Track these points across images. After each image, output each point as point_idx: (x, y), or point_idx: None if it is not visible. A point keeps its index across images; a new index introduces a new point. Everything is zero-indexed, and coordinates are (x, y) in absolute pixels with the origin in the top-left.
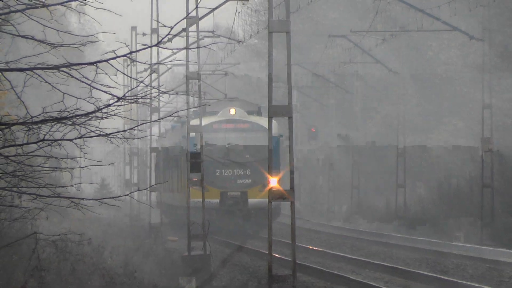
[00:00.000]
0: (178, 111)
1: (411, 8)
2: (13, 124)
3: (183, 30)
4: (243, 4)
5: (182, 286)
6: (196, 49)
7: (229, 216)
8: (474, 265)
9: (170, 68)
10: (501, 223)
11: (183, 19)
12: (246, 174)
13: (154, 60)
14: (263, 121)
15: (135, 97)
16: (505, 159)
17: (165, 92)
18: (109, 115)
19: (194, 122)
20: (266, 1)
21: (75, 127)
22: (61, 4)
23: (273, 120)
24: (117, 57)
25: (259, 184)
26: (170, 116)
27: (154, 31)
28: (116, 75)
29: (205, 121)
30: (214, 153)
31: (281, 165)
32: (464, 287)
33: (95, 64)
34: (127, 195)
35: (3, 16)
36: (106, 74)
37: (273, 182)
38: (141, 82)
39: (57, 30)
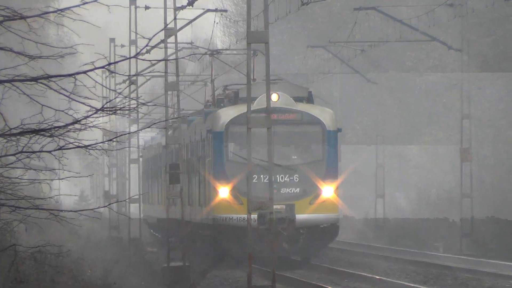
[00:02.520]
0: (157, 122)
1: (390, 19)
2: None
3: (162, 41)
4: (221, 15)
5: None
6: (174, 61)
7: (270, 237)
8: (454, 275)
9: (149, 79)
10: (480, 233)
11: (161, 30)
12: (293, 181)
13: (133, 72)
14: (316, 111)
15: (114, 108)
16: (485, 169)
17: (144, 103)
18: (87, 127)
19: (225, 113)
20: (244, 11)
21: (53, 139)
22: (39, 15)
23: (329, 110)
24: (96, 68)
25: (311, 195)
26: (148, 127)
27: (132, 42)
28: (94, 87)
29: (238, 110)
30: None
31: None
32: None
33: (73, 76)
34: (106, 206)
35: None
36: (85, 86)
37: (328, 191)
38: (120, 93)
39: (36, 42)
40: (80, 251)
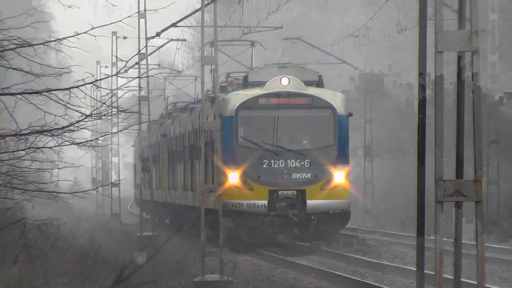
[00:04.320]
0: (132, 125)
1: (310, 46)
2: (7, 136)
3: (136, 63)
4: (181, 43)
5: (136, 258)
6: (145, 78)
7: (281, 224)
8: (358, 241)
9: (126, 92)
10: (379, 210)
11: (135, 55)
12: (304, 166)
13: (114, 87)
14: (327, 95)
15: (99, 114)
16: (382, 161)
17: (122, 111)
18: (79, 128)
19: (235, 97)
20: (199, 40)
21: (53, 138)
22: (43, 44)
23: (340, 94)
24: (85, 84)
25: (322, 180)
26: (125, 129)
27: (114, 64)
28: (85, 98)
29: (248, 94)
30: (259, 138)
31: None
32: (356, 259)
33: (68, 90)
34: (93, 189)
35: None
36: (77, 97)
37: (339, 176)
38: (103, 103)
39: (40, 64)
40: (73, 223)
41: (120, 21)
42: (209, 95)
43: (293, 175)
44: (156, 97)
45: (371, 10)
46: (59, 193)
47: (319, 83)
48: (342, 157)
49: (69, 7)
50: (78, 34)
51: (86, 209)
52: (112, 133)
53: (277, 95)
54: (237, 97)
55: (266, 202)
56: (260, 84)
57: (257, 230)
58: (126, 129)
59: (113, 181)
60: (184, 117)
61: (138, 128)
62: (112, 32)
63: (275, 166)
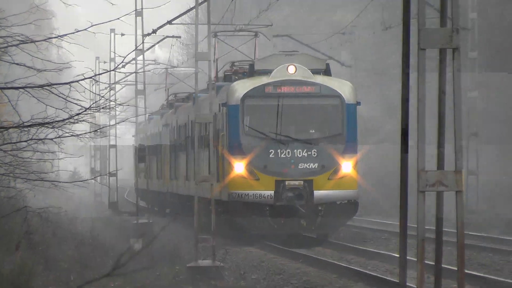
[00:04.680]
0: (128, 118)
1: (299, 43)
2: (10, 128)
3: (133, 59)
4: (176, 40)
5: (132, 245)
6: (142, 73)
7: (288, 214)
8: (347, 229)
9: (124, 86)
10: (364, 199)
11: (132, 51)
12: (312, 156)
13: (112, 81)
14: (334, 83)
15: (98, 107)
16: (369, 152)
17: (119, 104)
18: (79, 121)
19: (241, 85)
20: (193, 37)
21: (54, 130)
22: (45, 40)
23: (348, 83)
24: (85, 78)
25: (329, 170)
26: (123, 121)
27: (112, 59)
28: (84, 92)
29: (254, 82)
30: (266, 127)
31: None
32: (342, 246)
33: (69, 84)
34: (92, 179)
35: (2, 49)
36: (77, 91)
37: (347, 166)
38: (102, 97)
39: (42, 59)
40: (73, 212)
41: (118, 18)
42: (213, 83)
43: (300, 165)
44: (152, 91)
45: (358, 9)
46: (60, 182)
47: (326, 71)
48: (350, 146)
49: (69, 5)
50: (78, 31)
51: (85, 198)
52: (110, 125)
53: (283, 83)
54: (243, 86)
55: (272, 192)
56: (267, 72)
57: (263, 221)
58: (123, 121)
59: (111, 171)
60: (187, 106)
61: (136, 120)
62: (111, 29)
63: (282, 155)
